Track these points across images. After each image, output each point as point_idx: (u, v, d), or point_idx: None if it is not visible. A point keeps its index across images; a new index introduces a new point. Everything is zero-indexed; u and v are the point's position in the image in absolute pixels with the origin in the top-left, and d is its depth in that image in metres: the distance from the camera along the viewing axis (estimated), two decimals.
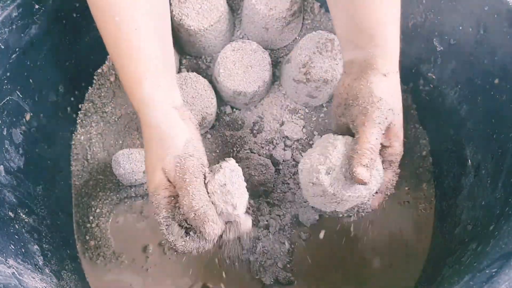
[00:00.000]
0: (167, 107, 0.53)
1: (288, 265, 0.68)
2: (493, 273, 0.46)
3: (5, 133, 0.61)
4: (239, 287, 0.67)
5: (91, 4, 0.54)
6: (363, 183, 0.49)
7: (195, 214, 0.48)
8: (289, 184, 0.71)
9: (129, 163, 0.68)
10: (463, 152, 0.66)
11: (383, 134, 0.52)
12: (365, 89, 0.52)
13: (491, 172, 0.60)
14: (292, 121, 0.74)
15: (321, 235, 0.69)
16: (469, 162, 0.65)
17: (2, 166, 0.60)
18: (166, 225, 0.50)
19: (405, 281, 0.67)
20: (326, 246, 0.69)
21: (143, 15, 0.52)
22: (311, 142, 0.73)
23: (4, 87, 0.60)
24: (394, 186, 0.56)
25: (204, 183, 0.50)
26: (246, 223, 0.52)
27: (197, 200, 0.48)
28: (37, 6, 0.62)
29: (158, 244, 0.70)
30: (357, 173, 0.49)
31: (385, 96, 0.52)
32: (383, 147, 0.53)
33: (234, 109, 0.75)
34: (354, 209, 0.56)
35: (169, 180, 0.51)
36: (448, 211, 0.68)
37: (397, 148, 0.54)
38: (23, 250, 0.58)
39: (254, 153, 0.72)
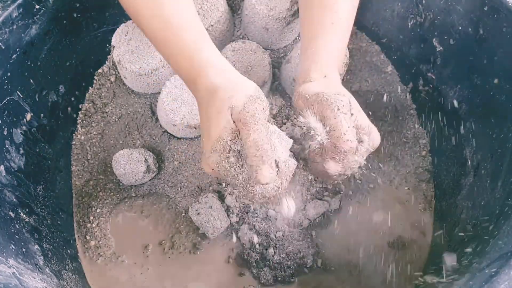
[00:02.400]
0: (230, 64, 0.56)
1: (288, 263, 0.68)
2: (493, 273, 0.47)
3: (5, 133, 0.61)
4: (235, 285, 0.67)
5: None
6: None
7: (258, 150, 0.48)
8: None
9: (129, 163, 0.69)
10: (463, 152, 0.66)
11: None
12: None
13: (491, 172, 0.60)
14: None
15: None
16: (469, 162, 0.65)
17: (2, 166, 0.60)
18: (235, 173, 0.51)
19: (405, 281, 0.67)
20: (326, 246, 0.69)
21: None
22: None
23: (5, 87, 0.60)
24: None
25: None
26: (293, 166, 0.54)
27: (263, 137, 0.49)
28: (37, 6, 0.62)
29: (158, 244, 0.70)
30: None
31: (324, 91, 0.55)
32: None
33: None
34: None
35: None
36: (448, 211, 0.68)
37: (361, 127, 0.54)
38: (23, 250, 0.58)
39: None
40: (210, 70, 0.54)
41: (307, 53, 0.59)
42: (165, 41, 0.56)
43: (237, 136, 0.51)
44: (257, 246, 0.67)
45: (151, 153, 0.71)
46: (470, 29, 0.62)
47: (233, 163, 0.51)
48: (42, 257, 0.62)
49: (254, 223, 0.68)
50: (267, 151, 0.49)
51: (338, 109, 0.52)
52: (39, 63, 0.65)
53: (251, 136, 0.49)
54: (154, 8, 0.55)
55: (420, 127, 0.75)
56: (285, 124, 0.73)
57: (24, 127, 0.64)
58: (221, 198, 0.69)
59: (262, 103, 0.52)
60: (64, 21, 0.67)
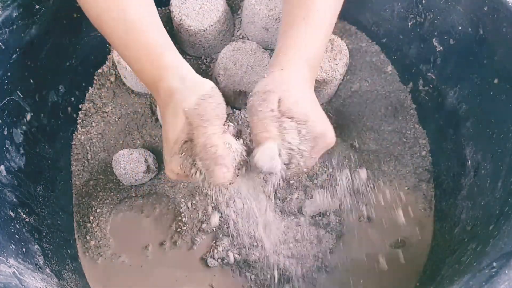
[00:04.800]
0: (190, 67, 0.56)
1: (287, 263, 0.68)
2: (493, 273, 0.47)
3: (5, 133, 0.61)
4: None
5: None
6: None
7: (207, 153, 0.48)
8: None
9: (129, 164, 0.69)
10: (463, 152, 0.66)
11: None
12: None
13: (491, 172, 0.60)
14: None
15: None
16: (469, 162, 0.65)
17: (3, 166, 0.60)
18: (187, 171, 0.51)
19: (405, 281, 0.67)
20: (325, 246, 0.69)
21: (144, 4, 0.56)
22: None
23: (5, 87, 0.60)
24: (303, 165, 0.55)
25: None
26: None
27: (213, 138, 0.49)
28: (37, 6, 0.62)
29: (159, 244, 0.70)
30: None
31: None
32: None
33: (234, 109, 0.75)
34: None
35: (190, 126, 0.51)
36: (448, 211, 0.68)
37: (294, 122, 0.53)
38: (23, 250, 0.58)
39: None
40: (169, 74, 0.54)
41: (275, 49, 0.58)
42: (126, 45, 0.55)
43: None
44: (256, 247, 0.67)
45: (151, 153, 0.71)
46: (470, 29, 0.62)
47: (192, 165, 0.50)
48: (42, 257, 0.62)
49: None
50: (217, 152, 0.48)
51: (255, 115, 0.53)
52: (39, 63, 0.65)
53: (200, 139, 0.49)
54: (117, 11, 0.54)
55: (420, 127, 0.75)
56: None
57: (24, 127, 0.64)
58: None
59: (214, 102, 0.51)
60: (64, 21, 0.67)
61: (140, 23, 0.55)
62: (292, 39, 0.57)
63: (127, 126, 0.75)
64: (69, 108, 0.74)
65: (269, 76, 0.56)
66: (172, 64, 0.55)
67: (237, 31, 0.78)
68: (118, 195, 0.72)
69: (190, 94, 0.51)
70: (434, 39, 0.68)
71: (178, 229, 0.70)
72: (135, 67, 0.57)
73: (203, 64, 0.77)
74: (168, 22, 0.76)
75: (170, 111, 0.53)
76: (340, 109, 0.77)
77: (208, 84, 0.53)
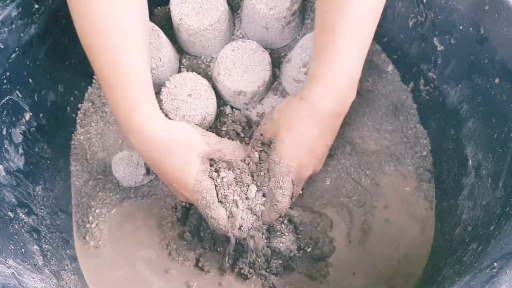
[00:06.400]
0: (165, 118, 0.61)
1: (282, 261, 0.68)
2: (494, 273, 0.46)
3: (4, 133, 0.61)
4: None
5: (85, 33, 0.56)
6: None
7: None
8: None
9: (129, 167, 0.68)
10: (464, 152, 0.66)
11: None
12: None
13: (492, 172, 0.60)
14: None
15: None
16: (470, 162, 0.65)
17: (1, 166, 0.60)
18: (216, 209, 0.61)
19: (405, 281, 0.67)
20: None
21: (135, 42, 0.57)
22: None
23: (4, 87, 0.60)
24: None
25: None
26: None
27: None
28: (36, 6, 0.62)
29: (158, 245, 0.69)
30: None
31: (277, 113, 0.62)
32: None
33: (234, 109, 0.75)
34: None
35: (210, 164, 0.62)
36: (449, 211, 0.68)
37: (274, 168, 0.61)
38: (22, 250, 0.58)
39: None
40: (151, 126, 0.58)
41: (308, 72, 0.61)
42: (110, 86, 0.57)
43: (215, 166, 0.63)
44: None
45: None
46: (471, 29, 0.62)
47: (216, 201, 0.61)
48: (41, 257, 0.62)
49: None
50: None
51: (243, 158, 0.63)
52: (38, 63, 0.65)
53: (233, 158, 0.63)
54: (107, 51, 0.55)
55: (421, 127, 0.75)
56: None
57: (23, 127, 0.64)
58: None
59: (212, 135, 0.63)
60: (64, 21, 0.67)
61: (129, 71, 0.56)
62: (319, 68, 0.56)
63: None
64: (68, 108, 0.74)
65: (286, 100, 0.61)
66: (150, 118, 0.58)
67: (237, 30, 0.78)
68: (117, 196, 0.72)
69: (197, 140, 0.60)
70: (435, 39, 0.68)
71: (177, 230, 0.70)
72: (114, 109, 0.59)
73: (203, 63, 0.77)
74: (168, 21, 0.76)
75: (177, 159, 0.59)
76: None
77: (186, 124, 0.62)
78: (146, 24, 0.60)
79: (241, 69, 0.70)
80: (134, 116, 0.57)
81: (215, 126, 0.72)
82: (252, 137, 0.65)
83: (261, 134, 0.63)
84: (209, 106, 0.69)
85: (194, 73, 0.71)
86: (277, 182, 0.60)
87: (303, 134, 0.58)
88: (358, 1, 0.54)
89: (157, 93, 0.74)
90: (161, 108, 0.62)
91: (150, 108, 0.58)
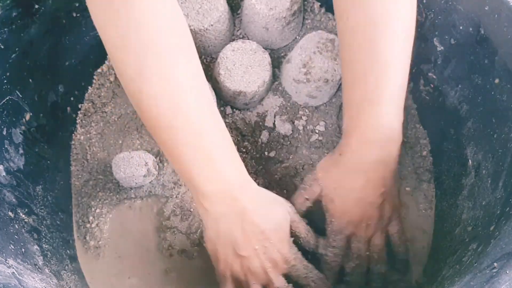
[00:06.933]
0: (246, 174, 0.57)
1: None
2: (494, 273, 0.46)
3: (4, 133, 0.61)
4: None
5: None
6: None
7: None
8: None
9: (129, 167, 0.68)
10: (464, 152, 0.66)
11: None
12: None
13: (492, 172, 0.60)
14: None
15: None
16: (470, 162, 0.65)
17: (1, 166, 0.60)
18: None
19: (405, 281, 0.67)
20: None
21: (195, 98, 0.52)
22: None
23: (4, 87, 0.60)
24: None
25: None
26: None
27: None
28: (36, 6, 0.62)
29: (158, 245, 0.69)
30: None
31: (321, 172, 0.62)
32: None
33: (234, 109, 0.75)
34: None
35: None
36: (449, 211, 0.68)
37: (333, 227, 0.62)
38: (23, 250, 0.58)
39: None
40: (235, 185, 0.55)
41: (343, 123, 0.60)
42: (173, 156, 0.53)
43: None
44: None
45: (151, 156, 0.71)
46: (471, 29, 0.62)
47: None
48: (41, 257, 0.62)
49: None
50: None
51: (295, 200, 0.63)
52: (38, 63, 0.65)
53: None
54: (173, 117, 0.50)
55: (421, 127, 0.75)
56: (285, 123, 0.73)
57: (23, 127, 0.64)
58: None
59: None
60: (64, 21, 0.67)
61: (201, 127, 0.51)
62: (356, 119, 0.55)
63: (127, 126, 0.75)
64: (68, 108, 0.74)
65: (326, 159, 0.62)
66: (231, 174, 0.54)
67: (237, 30, 0.78)
68: (117, 196, 0.72)
69: (282, 206, 0.60)
70: (434, 39, 0.68)
71: (178, 231, 0.70)
72: (188, 178, 0.54)
73: (203, 64, 0.77)
74: None
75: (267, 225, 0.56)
76: (340, 108, 0.76)
77: (276, 196, 0.61)
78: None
79: (241, 69, 0.70)
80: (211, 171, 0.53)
81: None
82: (295, 203, 0.63)
83: (307, 199, 0.63)
84: None
85: None
86: (327, 241, 0.62)
87: (350, 188, 0.59)
88: (388, 46, 0.51)
89: None
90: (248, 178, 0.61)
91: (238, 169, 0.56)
